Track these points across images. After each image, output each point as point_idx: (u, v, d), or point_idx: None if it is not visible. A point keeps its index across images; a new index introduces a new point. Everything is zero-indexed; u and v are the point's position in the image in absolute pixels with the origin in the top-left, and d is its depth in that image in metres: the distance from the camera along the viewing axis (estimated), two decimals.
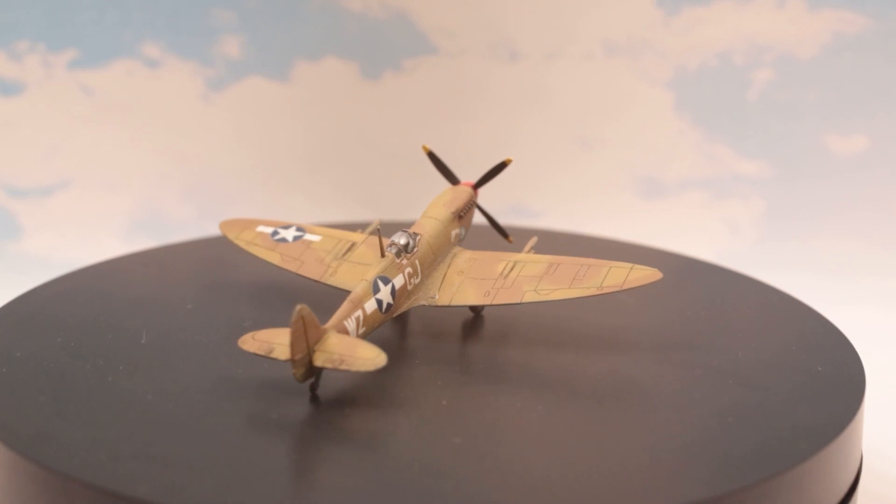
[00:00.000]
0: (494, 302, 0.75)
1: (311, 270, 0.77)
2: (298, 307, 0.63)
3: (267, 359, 0.65)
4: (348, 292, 0.71)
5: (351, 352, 0.64)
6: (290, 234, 0.79)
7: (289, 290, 0.82)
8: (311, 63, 1.36)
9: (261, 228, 0.80)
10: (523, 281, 0.76)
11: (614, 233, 1.19)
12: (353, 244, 0.78)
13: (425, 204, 0.81)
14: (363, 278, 0.72)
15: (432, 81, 1.37)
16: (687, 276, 0.94)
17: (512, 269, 0.77)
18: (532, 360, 0.74)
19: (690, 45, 1.36)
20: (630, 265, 0.76)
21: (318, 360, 0.64)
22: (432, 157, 0.83)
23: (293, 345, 0.63)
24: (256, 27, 1.36)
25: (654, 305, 0.84)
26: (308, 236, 0.79)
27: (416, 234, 0.76)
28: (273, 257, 0.79)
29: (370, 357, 0.64)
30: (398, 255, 0.74)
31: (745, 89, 1.36)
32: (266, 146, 1.36)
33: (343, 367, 0.64)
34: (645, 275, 0.75)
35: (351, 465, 0.60)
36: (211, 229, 1.20)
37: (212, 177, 1.35)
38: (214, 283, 0.86)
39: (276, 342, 0.65)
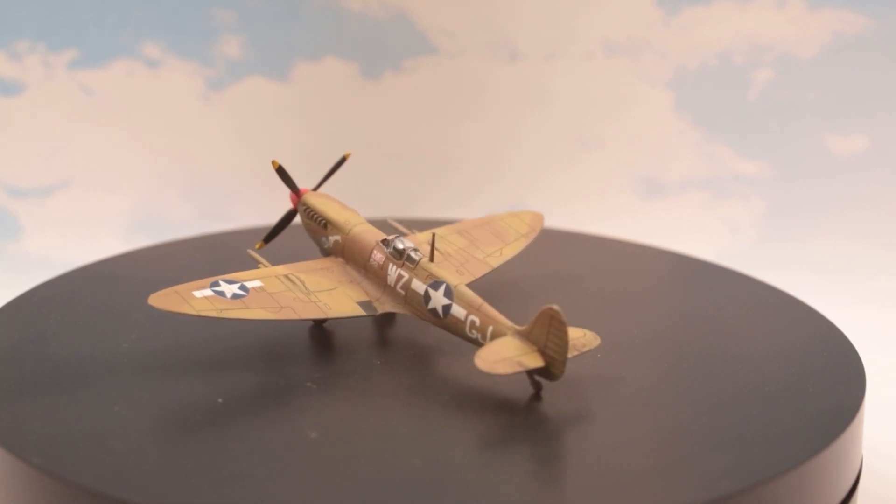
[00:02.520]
0: (474, 277, 0.77)
1: (307, 312, 0.72)
2: (555, 308, 0.64)
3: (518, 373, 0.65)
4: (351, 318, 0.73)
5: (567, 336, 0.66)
6: (235, 288, 0.71)
7: None
8: (311, 63, 1.36)
9: (199, 293, 0.70)
10: (469, 252, 0.79)
11: (614, 233, 1.19)
12: (299, 278, 0.74)
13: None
14: (458, 284, 0.71)
15: (432, 81, 1.37)
16: (687, 275, 0.94)
17: (441, 246, 0.79)
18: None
19: (690, 45, 1.36)
20: (510, 212, 0.84)
21: (569, 353, 0.65)
22: (280, 171, 0.81)
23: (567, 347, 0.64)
24: (256, 27, 1.36)
25: (653, 304, 0.84)
26: (251, 284, 0.72)
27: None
28: (259, 314, 0.70)
29: (584, 334, 0.68)
30: (404, 257, 0.74)
31: (745, 89, 1.36)
32: (266, 146, 1.36)
33: (585, 350, 0.67)
34: (534, 215, 0.85)
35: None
36: (211, 229, 1.20)
37: (212, 177, 1.35)
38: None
39: (514, 356, 0.65)
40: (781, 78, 1.35)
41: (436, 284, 0.71)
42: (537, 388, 0.67)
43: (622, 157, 1.37)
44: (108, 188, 1.33)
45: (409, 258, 0.73)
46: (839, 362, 0.74)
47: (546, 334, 0.65)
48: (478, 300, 0.70)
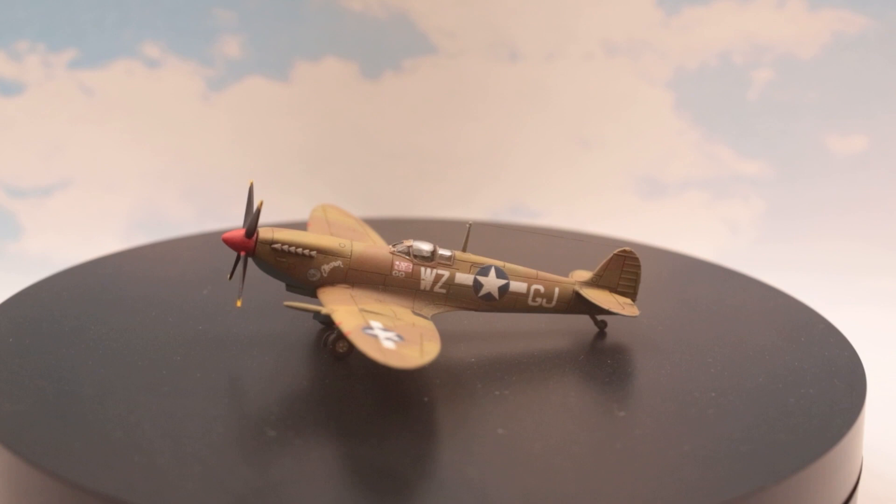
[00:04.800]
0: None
1: (432, 335, 0.67)
2: (628, 248, 0.75)
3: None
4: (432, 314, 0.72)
5: None
6: (382, 331, 0.66)
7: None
8: (311, 63, 1.36)
9: (385, 344, 0.64)
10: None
11: (614, 233, 1.19)
12: (371, 309, 0.70)
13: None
14: (504, 263, 0.74)
15: (432, 81, 1.37)
16: (687, 275, 0.94)
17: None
18: (526, 363, 0.74)
19: (690, 45, 1.36)
20: (318, 210, 0.84)
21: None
22: (259, 210, 0.74)
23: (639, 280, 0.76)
24: (256, 27, 1.36)
25: (652, 304, 0.84)
26: (377, 324, 0.67)
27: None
28: (434, 347, 0.65)
29: None
30: (436, 257, 0.73)
31: (745, 89, 1.36)
32: (266, 146, 1.36)
33: None
34: (334, 206, 0.86)
35: None
36: (210, 228, 1.20)
37: (212, 177, 1.35)
38: (212, 274, 0.86)
39: (615, 300, 0.75)
40: (781, 78, 1.35)
41: (484, 270, 0.73)
42: (603, 326, 0.76)
43: (622, 156, 1.37)
44: (108, 188, 1.33)
45: (443, 256, 0.73)
46: (839, 363, 0.74)
47: (619, 275, 0.75)
48: (531, 270, 0.74)
